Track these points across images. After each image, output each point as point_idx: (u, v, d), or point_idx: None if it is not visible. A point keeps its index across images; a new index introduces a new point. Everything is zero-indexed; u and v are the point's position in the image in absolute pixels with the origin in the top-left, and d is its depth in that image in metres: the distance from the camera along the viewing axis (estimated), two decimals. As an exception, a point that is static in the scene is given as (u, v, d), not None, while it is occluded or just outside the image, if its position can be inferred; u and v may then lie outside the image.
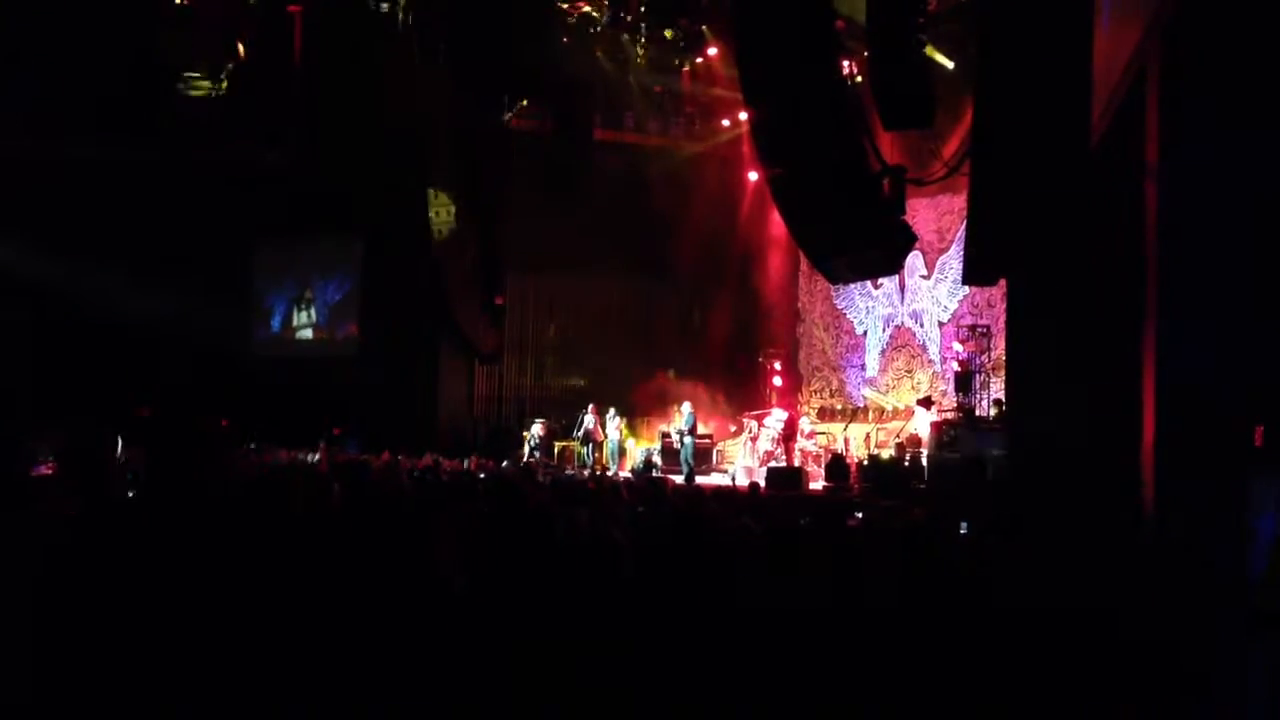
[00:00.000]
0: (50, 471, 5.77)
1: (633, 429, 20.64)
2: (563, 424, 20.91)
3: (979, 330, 17.36)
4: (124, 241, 21.10)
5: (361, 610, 3.44)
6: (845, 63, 12.35)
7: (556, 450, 20.45)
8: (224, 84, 20.09)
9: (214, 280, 22.68)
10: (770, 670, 3.63)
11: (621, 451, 19.63)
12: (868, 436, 19.30)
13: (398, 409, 20.99)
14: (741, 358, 21.68)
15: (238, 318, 24.33)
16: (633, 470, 18.06)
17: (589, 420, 19.47)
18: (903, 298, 20.73)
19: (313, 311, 24.35)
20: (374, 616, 3.41)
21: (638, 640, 3.50)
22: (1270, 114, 6.32)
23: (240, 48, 20.02)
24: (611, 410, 19.55)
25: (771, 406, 19.61)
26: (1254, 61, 6.33)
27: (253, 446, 16.04)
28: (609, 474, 17.10)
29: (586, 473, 17.29)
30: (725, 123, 21.86)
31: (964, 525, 6.67)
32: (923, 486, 14.49)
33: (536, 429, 19.64)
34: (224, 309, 23.37)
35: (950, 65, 16.34)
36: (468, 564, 3.71)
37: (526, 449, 19.53)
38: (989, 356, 17.20)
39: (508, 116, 21.88)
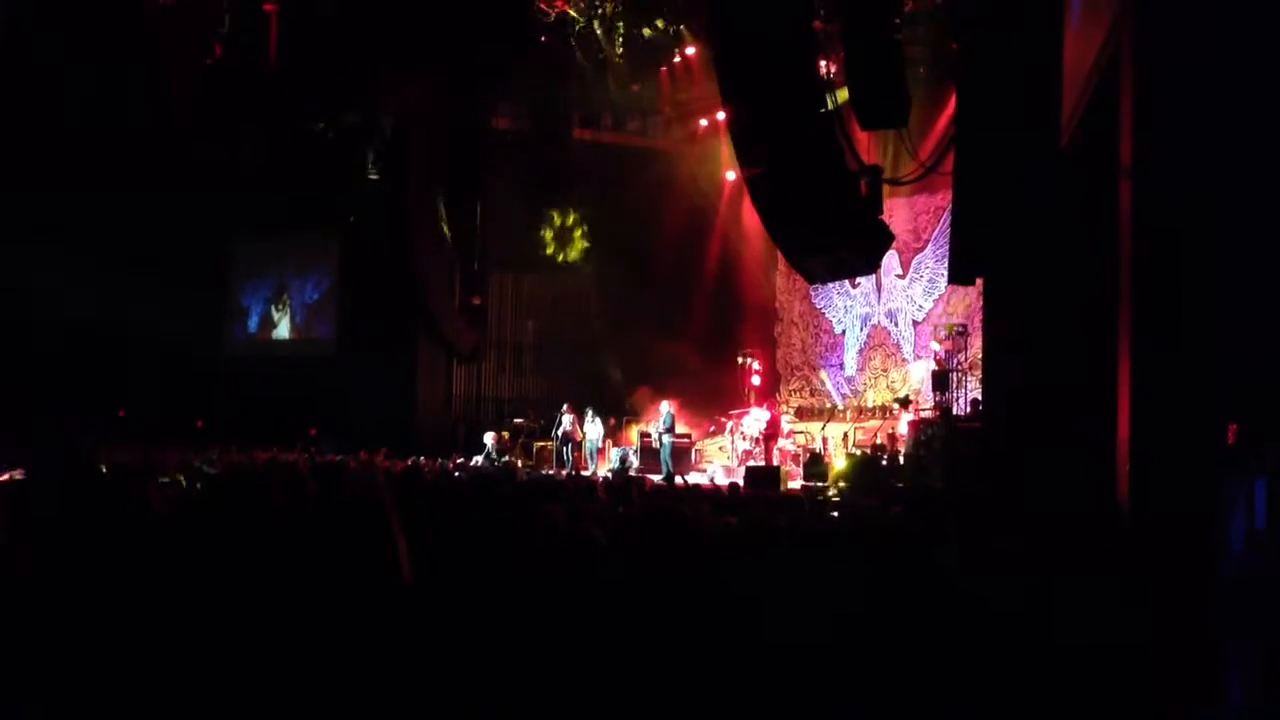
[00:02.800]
0: (10, 479, 5.70)
1: (611, 429, 20.60)
2: (541, 424, 20.88)
3: (956, 329, 17.43)
4: (99, 241, 20.96)
5: (331, 612, 3.42)
6: (823, 63, 12.37)
7: (535, 450, 20.40)
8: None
9: (190, 280, 22.55)
10: (749, 669, 3.63)
11: (600, 451, 19.60)
12: (846, 435, 19.34)
13: (376, 409, 20.91)
14: (720, 357, 21.69)
15: (214, 318, 24.22)
16: (610, 470, 18.04)
17: (566, 420, 19.43)
18: (879, 297, 20.80)
19: (290, 311, 24.24)
20: (344, 619, 3.40)
21: (614, 640, 3.49)
22: (1242, 108, 6.37)
23: (216, 46, 19.88)
24: (589, 410, 19.53)
25: (750, 406, 19.63)
26: (1226, 56, 6.38)
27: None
28: (587, 474, 17.08)
29: (565, 473, 17.27)
30: (703, 122, 21.87)
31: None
32: (900, 485, 14.54)
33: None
34: (200, 309, 23.26)
35: (932, 70, 16.45)
36: (437, 564, 3.70)
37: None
38: (965, 355, 17.27)
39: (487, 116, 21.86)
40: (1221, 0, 6.42)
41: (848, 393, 21.19)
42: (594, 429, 19.51)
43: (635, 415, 21.02)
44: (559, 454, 19.45)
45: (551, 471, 18.10)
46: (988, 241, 10.18)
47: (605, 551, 3.62)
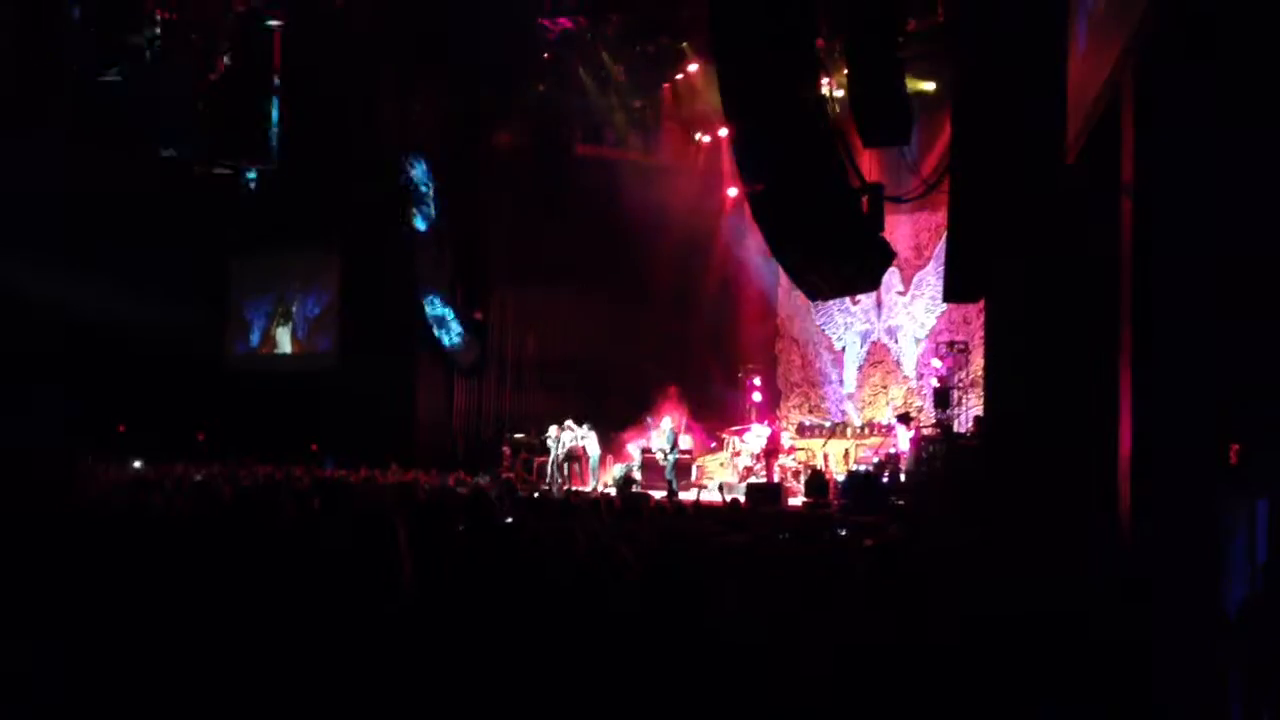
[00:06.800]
0: None
1: (610, 444, 20.56)
2: (541, 439, 20.87)
3: (956, 346, 17.45)
4: (103, 254, 21.01)
5: (329, 626, 3.44)
6: (825, 80, 12.42)
7: (535, 465, 20.38)
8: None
9: (192, 294, 22.59)
10: (748, 688, 3.64)
11: (600, 466, 19.58)
12: (846, 452, 19.34)
13: (377, 423, 20.91)
14: (721, 373, 21.71)
15: (215, 331, 24.25)
16: (614, 485, 18.02)
17: (567, 436, 19.43)
18: (879, 314, 20.83)
19: (292, 325, 24.27)
20: (342, 633, 3.41)
21: (615, 659, 3.50)
22: (1244, 134, 6.40)
23: (220, 61, 19.93)
24: (586, 425, 19.51)
25: (751, 422, 19.64)
26: (1227, 83, 6.42)
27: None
28: (587, 489, 17.08)
29: (567, 488, 17.27)
30: (705, 139, 21.94)
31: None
32: (901, 503, 14.53)
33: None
34: (202, 323, 23.29)
35: (931, 87, 16.49)
36: (438, 581, 3.71)
37: (553, 454, 19.36)
38: (967, 373, 17.29)
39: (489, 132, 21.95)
40: (1225, 25, 6.45)
41: (846, 409, 21.20)
42: (593, 444, 19.49)
43: (626, 433, 20.87)
44: (560, 469, 19.44)
45: (551, 487, 18.12)
46: (988, 258, 10.20)
47: (622, 570, 3.63)
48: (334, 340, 23.63)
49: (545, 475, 19.44)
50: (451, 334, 22.03)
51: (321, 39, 19.98)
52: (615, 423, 20.98)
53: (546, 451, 19.73)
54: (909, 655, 3.99)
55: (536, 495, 12.89)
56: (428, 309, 21.59)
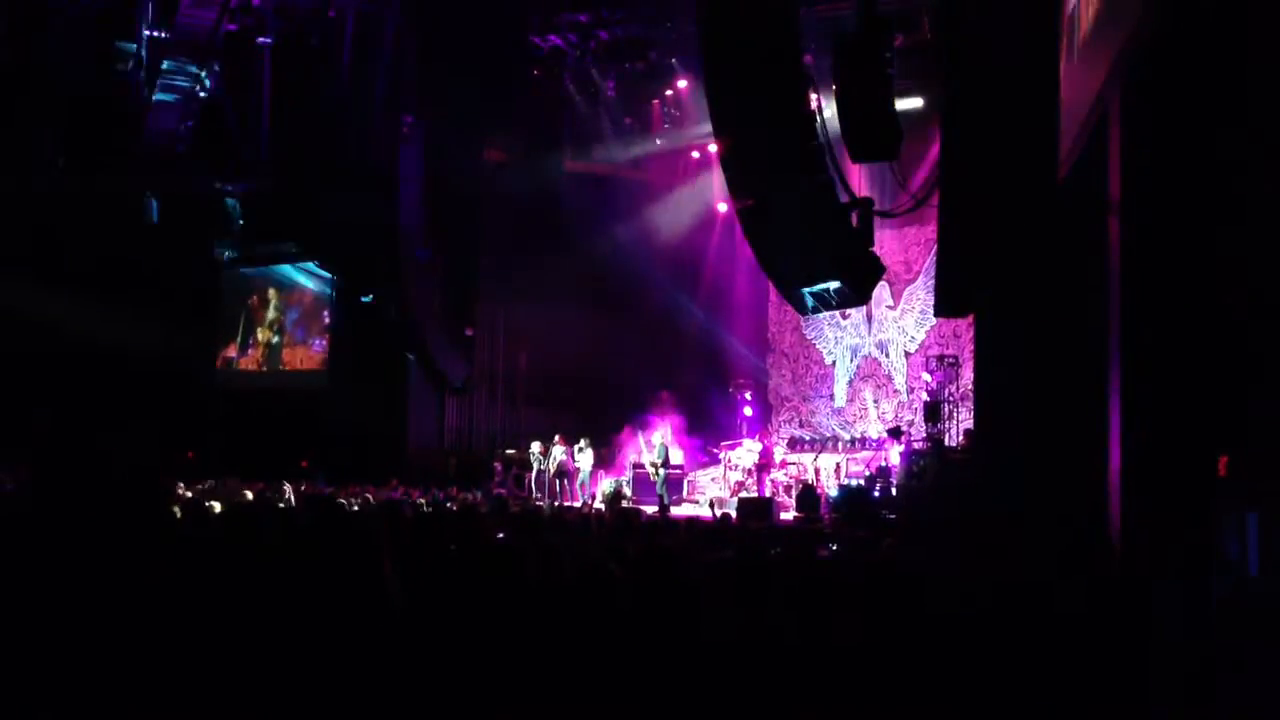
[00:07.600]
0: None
1: (602, 459, 20.53)
2: (532, 456, 20.82)
3: (947, 360, 17.49)
4: (91, 269, 20.97)
5: (319, 640, 3.43)
6: (814, 96, 12.47)
7: (527, 481, 20.33)
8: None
9: (181, 310, 22.54)
10: (740, 706, 3.64)
11: (590, 481, 19.55)
12: (838, 467, 19.35)
13: (367, 440, 20.86)
14: (712, 388, 21.71)
15: (205, 348, 24.16)
16: (604, 501, 17.98)
17: (558, 451, 19.40)
18: (870, 328, 20.87)
19: (282, 342, 24.20)
20: (331, 647, 3.40)
21: (607, 674, 3.50)
22: (1226, 152, 6.44)
23: (208, 79, 19.93)
24: (581, 441, 19.49)
25: (742, 437, 19.64)
26: (1210, 104, 6.46)
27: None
28: (578, 505, 17.05)
29: (558, 504, 17.23)
30: (695, 154, 22.00)
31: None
32: (893, 517, 14.53)
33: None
34: (191, 339, 23.22)
35: (919, 103, 16.55)
36: (427, 597, 3.71)
37: (536, 468, 19.46)
38: (957, 387, 17.32)
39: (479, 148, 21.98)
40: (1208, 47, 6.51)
41: (834, 424, 21.22)
42: (585, 459, 19.46)
43: (618, 448, 20.84)
44: (550, 485, 19.40)
45: (543, 503, 18.06)
46: (979, 275, 10.23)
47: (612, 585, 3.63)
48: (325, 357, 23.58)
49: (535, 491, 19.44)
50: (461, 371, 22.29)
51: (310, 56, 20.01)
52: (607, 437, 20.96)
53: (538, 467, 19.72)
54: (905, 661, 4.00)
55: (527, 511, 12.84)
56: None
